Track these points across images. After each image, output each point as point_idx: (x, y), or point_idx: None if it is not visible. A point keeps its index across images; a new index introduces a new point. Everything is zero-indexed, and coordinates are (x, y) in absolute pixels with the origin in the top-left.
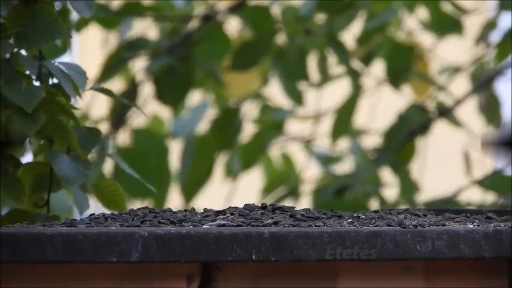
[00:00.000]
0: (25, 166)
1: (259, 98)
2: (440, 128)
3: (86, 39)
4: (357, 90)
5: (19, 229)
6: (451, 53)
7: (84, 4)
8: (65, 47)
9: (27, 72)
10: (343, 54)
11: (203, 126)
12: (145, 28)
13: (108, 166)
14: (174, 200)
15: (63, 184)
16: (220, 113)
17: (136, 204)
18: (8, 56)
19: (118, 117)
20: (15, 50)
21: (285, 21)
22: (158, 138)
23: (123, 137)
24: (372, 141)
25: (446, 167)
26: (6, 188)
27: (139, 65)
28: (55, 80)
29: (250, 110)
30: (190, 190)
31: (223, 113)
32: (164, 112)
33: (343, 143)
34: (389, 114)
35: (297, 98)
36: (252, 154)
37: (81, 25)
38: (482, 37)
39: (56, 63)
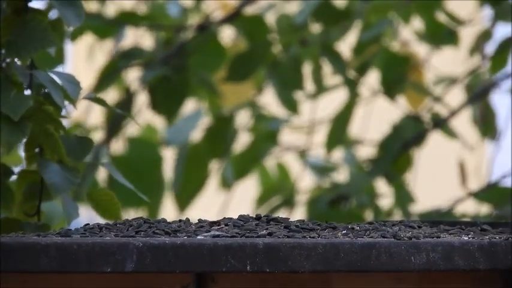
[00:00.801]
0: (18, 174)
1: (254, 106)
2: (433, 139)
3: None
4: (353, 100)
5: (13, 238)
6: (446, 64)
7: (73, 14)
8: (61, 57)
9: (19, 81)
10: (340, 64)
11: (197, 135)
12: (140, 37)
13: (102, 174)
14: (168, 209)
15: (51, 192)
16: (214, 122)
17: (130, 213)
18: None
19: (113, 126)
20: (7, 59)
21: (280, 30)
22: (152, 146)
23: (118, 146)
24: (365, 151)
25: (439, 178)
26: None
27: (134, 74)
28: (47, 89)
29: (244, 119)
30: (184, 199)
31: (217, 121)
32: (157, 121)
33: (337, 153)
34: (383, 124)
35: (292, 107)
36: (246, 163)
37: (76, 34)
38: (477, 48)
39: (48, 73)
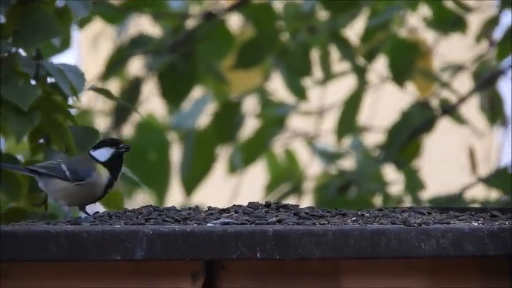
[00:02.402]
0: (24, 164)
1: (262, 92)
2: (442, 125)
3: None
4: (361, 87)
5: (22, 227)
6: (453, 50)
7: (80, 4)
8: (67, 45)
9: (25, 71)
10: (348, 51)
11: (204, 120)
12: (148, 25)
13: None
14: (175, 194)
15: None
16: (221, 107)
17: (138, 197)
18: (5, 55)
19: (120, 113)
20: (13, 49)
21: (287, 17)
22: (159, 132)
23: (126, 131)
24: (373, 138)
25: (448, 164)
26: (3, 187)
27: (141, 62)
28: (52, 79)
29: (252, 105)
30: (191, 183)
31: (224, 106)
32: (160, 109)
33: (345, 140)
34: (391, 111)
35: (301, 93)
36: (254, 150)
37: (83, 22)
38: (484, 35)
39: (54, 64)
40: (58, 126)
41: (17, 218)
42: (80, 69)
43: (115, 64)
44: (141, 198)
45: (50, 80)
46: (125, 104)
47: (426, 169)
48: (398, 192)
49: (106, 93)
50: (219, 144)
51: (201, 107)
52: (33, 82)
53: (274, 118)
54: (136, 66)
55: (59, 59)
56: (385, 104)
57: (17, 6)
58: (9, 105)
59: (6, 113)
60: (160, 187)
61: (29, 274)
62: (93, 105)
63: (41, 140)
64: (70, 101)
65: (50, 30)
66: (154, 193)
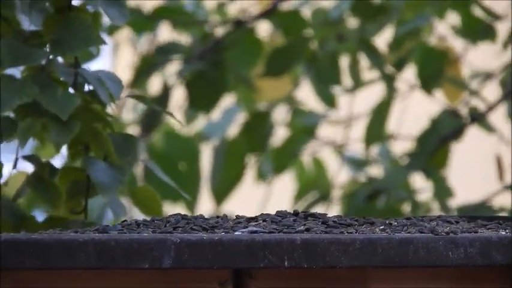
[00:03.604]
0: (62, 172)
1: (291, 101)
2: (469, 133)
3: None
4: (390, 95)
5: (51, 235)
6: (480, 58)
7: (117, 12)
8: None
9: (63, 79)
10: (377, 59)
11: (234, 130)
12: (177, 33)
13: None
14: (205, 204)
15: (99, 191)
16: (251, 116)
17: (167, 207)
18: (43, 63)
19: (149, 121)
20: (51, 57)
21: (316, 25)
22: (189, 141)
23: (154, 140)
24: (401, 146)
25: (475, 172)
26: (42, 194)
27: (171, 69)
28: (90, 87)
29: (282, 114)
30: (221, 193)
31: (254, 116)
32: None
33: (373, 148)
34: (418, 119)
35: (330, 102)
36: (284, 158)
37: (113, 29)
38: (511, 42)
39: (92, 71)
40: (97, 134)
41: (57, 226)
42: (117, 76)
43: (143, 72)
44: (170, 205)
45: (87, 87)
46: (162, 110)
47: (453, 177)
48: (427, 200)
49: (143, 99)
50: (249, 153)
51: (231, 116)
52: (71, 91)
53: (304, 127)
54: (169, 73)
55: (91, 67)
56: (412, 112)
57: (54, 14)
58: (48, 114)
59: (46, 122)
60: (190, 197)
61: (55, 282)
62: (119, 114)
63: (80, 147)
64: (108, 109)
65: (89, 37)
66: (184, 204)
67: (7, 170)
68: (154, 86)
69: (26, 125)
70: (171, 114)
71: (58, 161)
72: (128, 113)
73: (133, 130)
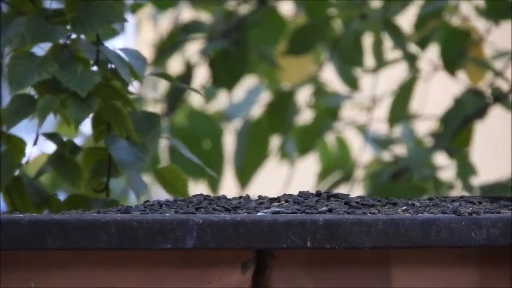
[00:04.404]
0: (85, 151)
1: (315, 82)
2: (492, 112)
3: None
4: (413, 75)
5: (72, 216)
6: (504, 39)
7: None
8: (121, 29)
9: (86, 57)
10: (400, 39)
11: (257, 110)
12: (199, 11)
13: (161, 146)
14: (228, 185)
15: (119, 168)
16: (274, 97)
17: (190, 186)
18: (64, 41)
19: (173, 99)
20: (73, 35)
21: (339, 4)
22: (212, 120)
23: (178, 118)
24: (423, 126)
25: (498, 152)
26: (63, 173)
27: (193, 48)
28: (113, 65)
29: (305, 95)
30: (245, 174)
31: (278, 96)
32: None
33: (396, 128)
34: (440, 99)
35: (352, 84)
36: (308, 139)
37: (136, 7)
38: None
39: (115, 49)
40: (117, 112)
41: (79, 205)
42: (142, 54)
43: (165, 50)
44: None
45: (110, 65)
46: (188, 87)
47: (476, 156)
48: (450, 178)
49: (167, 77)
50: (273, 134)
51: (254, 96)
52: (94, 68)
53: (328, 108)
54: (192, 52)
55: (115, 44)
56: (435, 92)
57: None
58: (67, 91)
59: (65, 99)
60: (213, 177)
61: (77, 263)
62: (141, 92)
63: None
64: (130, 87)
65: (111, 15)
66: (207, 182)
67: (29, 147)
68: (174, 65)
69: (45, 101)
70: (197, 91)
71: (79, 139)
72: (148, 91)
73: (154, 108)
